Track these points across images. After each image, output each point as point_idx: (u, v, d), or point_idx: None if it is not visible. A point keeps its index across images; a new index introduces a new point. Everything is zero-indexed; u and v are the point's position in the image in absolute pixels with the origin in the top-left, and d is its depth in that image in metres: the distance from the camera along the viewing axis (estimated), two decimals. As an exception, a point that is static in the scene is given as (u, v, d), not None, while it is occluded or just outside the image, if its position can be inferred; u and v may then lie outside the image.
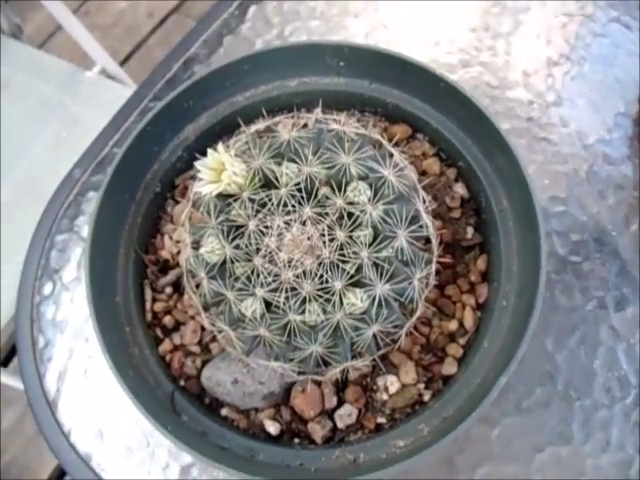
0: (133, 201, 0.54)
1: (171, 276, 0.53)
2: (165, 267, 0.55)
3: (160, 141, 0.55)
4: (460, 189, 0.55)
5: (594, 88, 0.70)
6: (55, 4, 1.07)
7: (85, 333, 0.62)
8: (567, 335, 0.60)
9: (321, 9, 0.75)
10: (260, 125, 0.47)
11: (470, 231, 0.54)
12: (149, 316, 0.53)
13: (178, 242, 0.54)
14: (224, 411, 0.50)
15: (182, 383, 0.51)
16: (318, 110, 0.52)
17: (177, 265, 0.54)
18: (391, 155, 0.44)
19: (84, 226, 0.66)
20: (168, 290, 0.54)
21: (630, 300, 0.61)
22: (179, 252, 0.54)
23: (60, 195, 0.68)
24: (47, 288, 0.64)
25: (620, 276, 0.62)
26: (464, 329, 0.51)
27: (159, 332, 0.53)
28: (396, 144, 0.46)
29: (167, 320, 0.53)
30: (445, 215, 0.53)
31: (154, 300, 0.53)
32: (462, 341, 0.51)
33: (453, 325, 0.51)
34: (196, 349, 0.52)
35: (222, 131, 0.57)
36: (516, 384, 0.58)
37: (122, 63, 1.35)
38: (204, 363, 0.51)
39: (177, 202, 0.57)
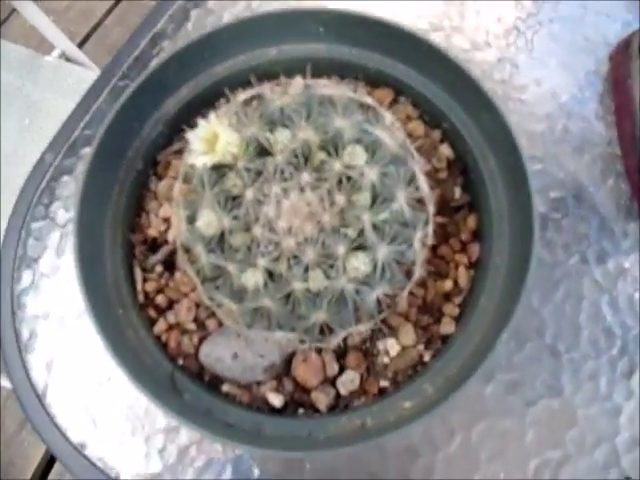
0: (116, 180, 0.52)
1: (161, 254, 0.52)
2: (153, 246, 0.53)
3: (140, 117, 0.53)
4: (446, 150, 0.55)
5: (564, 48, 0.71)
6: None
7: (70, 320, 0.60)
8: (552, 290, 0.61)
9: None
10: (247, 94, 0.46)
11: (458, 191, 0.54)
12: (141, 297, 0.51)
13: (165, 219, 0.53)
14: (225, 387, 0.50)
15: (180, 362, 0.50)
16: (301, 77, 0.52)
17: (165, 242, 0.53)
18: (380, 118, 0.44)
19: (59, 212, 0.64)
20: (158, 269, 0.52)
21: (610, 253, 0.62)
22: (167, 229, 0.53)
23: (33, 181, 0.66)
24: (26, 278, 0.62)
25: (600, 230, 0.63)
26: (459, 288, 0.52)
27: (152, 312, 0.51)
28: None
29: (160, 299, 0.52)
30: (433, 176, 0.53)
31: (145, 280, 0.52)
32: (457, 300, 0.51)
33: (448, 285, 0.52)
34: (192, 326, 0.51)
35: (203, 103, 0.55)
36: (506, 341, 0.58)
37: (79, 46, 1.31)
38: (201, 340, 0.51)
39: (160, 178, 0.55)
